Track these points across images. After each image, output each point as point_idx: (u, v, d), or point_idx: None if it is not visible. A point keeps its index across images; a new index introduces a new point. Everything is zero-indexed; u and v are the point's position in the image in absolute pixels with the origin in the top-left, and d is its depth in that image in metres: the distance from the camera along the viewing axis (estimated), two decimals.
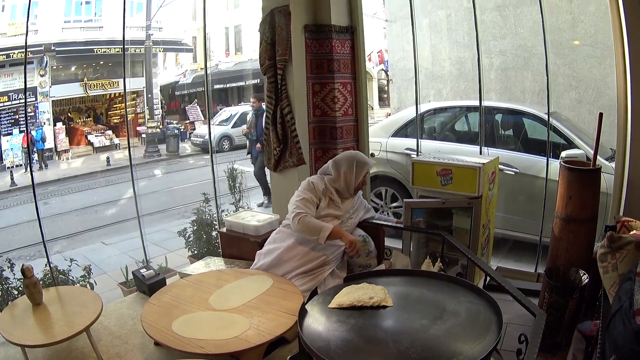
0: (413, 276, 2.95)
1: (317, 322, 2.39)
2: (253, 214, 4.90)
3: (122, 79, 21.55)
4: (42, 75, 19.84)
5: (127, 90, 19.64)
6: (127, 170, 15.35)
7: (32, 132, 17.86)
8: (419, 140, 5.74)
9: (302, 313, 2.46)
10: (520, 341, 2.57)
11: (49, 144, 18.79)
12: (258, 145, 9.10)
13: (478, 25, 5.32)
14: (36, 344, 3.06)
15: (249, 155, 9.97)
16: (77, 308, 3.41)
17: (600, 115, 3.65)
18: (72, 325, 3.16)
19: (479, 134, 5.52)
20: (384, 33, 17.66)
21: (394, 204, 6.63)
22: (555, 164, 4.97)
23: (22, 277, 3.41)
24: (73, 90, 21.62)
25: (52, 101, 20.48)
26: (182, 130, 21.74)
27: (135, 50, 21.33)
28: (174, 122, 23.20)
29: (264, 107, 7.45)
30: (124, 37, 5.81)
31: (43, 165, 17.82)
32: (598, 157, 3.68)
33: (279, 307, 3.16)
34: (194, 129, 22.25)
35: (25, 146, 17.75)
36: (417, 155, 5.53)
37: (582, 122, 7.81)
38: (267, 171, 5.63)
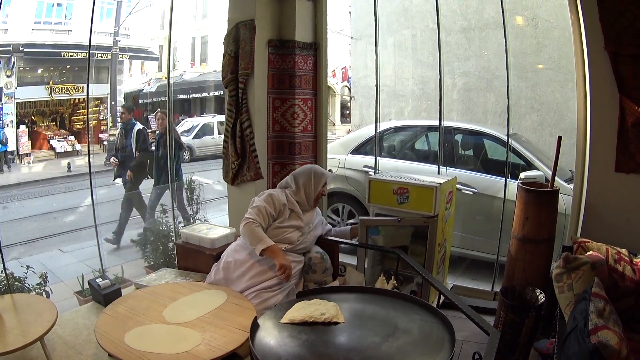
0: (366, 293, 2.95)
1: (269, 337, 2.37)
2: (209, 227, 4.85)
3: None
4: (8, 76, 19.40)
5: (90, 97, 19.34)
6: (87, 177, 15.16)
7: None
8: (377, 158, 5.77)
9: (254, 327, 2.44)
10: (475, 359, 2.58)
11: (11, 146, 18.42)
12: (129, 172, 7.76)
13: (442, 46, 5.41)
14: None
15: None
16: (31, 316, 3.33)
17: (559, 138, 3.72)
18: (26, 335, 3.08)
19: (438, 153, 5.57)
20: (349, 50, 17.81)
21: (351, 221, 6.61)
22: (513, 185, 5.04)
23: None
24: (38, 93, 21.13)
25: (17, 103, 20.09)
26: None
27: (101, 56, 21.06)
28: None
29: (134, 120, 7.55)
30: (90, 42, 5.74)
31: (5, 168, 17.45)
32: (557, 178, 3.75)
33: (232, 323, 3.12)
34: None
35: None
36: (375, 173, 5.56)
37: (544, 144, 7.96)
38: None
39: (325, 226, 4.33)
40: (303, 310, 2.57)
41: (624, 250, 3.22)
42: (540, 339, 3.47)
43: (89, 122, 19.31)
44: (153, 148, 7.96)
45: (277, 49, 4.79)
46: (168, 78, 6.24)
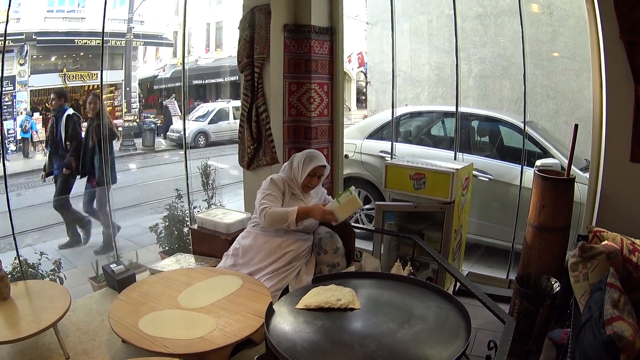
0: (382, 279, 2.92)
1: (284, 323, 2.36)
2: (225, 212, 4.86)
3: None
4: (21, 64, 19.55)
5: (104, 83, 19.40)
6: None
7: (23, 120, 18.02)
8: (394, 143, 5.74)
9: (269, 313, 2.43)
10: (490, 347, 2.57)
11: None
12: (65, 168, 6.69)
13: (458, 33, 5.36)
14: (2, 340, 2.96)
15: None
16: (45, 303, 3.34)
17: (576, 126, 3.68)
18: (39, 321, 3.09)
19: (454, 139, 5.53)
20: (364, 35, 17.71)
21: (367, 206, 6.60)
22: (529, 172, 5.00)
23: None
24: (52, 81, 21.16)
25: (30, 91, 20.18)
26: (158, 124, 21.53)
27: (115, 43, 21.09)
28: (151, 116, 23.00)
29: (66, 106, 6.76)
30: (103, 29, 5.73)
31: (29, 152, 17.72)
32: (572, 167, 3.71)
33: (246, 309, 3.12)
34: (171, 124, 22.07)
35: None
36: (391, 158, 5.53)
37: (559, 132, 7.88)
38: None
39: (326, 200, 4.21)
40: (319, 296, 2.56)
41: (638, 241, 3.19)
42: (554, 329, 3.45)
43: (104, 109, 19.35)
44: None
45: (293, 34, 4.78)
46: (183, 64, 6.22)
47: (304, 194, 3.96)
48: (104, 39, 5.84)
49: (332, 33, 4.97)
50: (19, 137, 18.06)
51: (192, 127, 18.93)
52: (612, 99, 3.61)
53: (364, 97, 21.81)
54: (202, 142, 19.16)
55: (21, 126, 18.02)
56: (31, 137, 18.08)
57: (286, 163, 4.04)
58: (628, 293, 2.45)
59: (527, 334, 3.46)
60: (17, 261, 4.64)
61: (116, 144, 18.29)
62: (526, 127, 5.22)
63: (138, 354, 2.82)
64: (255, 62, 4.66)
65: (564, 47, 8.40)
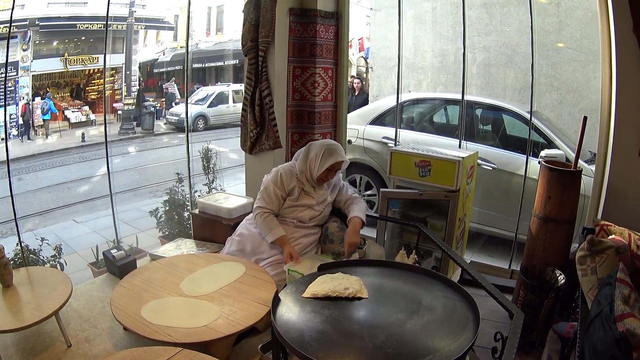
0: (387, 267, 2.88)
1: (291, 312, 2.33)
2: (226, 196, 4.85)
3: (102, 55, 21.43)
4: (24, 50, 19.61)
5: (106, 67, 19.37)
6: (101, 147, 15.16)
7: (42, 103, 18.36)
8: (398, 129, 5.71)
9: (276, 301, 2.40)
10: (497, 339, 2.55)
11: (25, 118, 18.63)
12: None
13: (465, 20, 5.31)
14: (5, 329, 2.93)
15: None
16: (47, 290, 3.30)
17: (585, 119, 3.65)
18: (41, 309, 3.06)
19: (459, 127, 5.50)
20: (366, 21, 17.67)
21: (368, 192, 6.60)
22: (533, 163, 4.98)
23: None
24: (53, 65, 21.33)
25: (32, 76, 20.17)
26: (158, 108, 21.49)
27: (117, 27, 21.14)
28: (150, 99, 22.95)
29: None
30: (107, 12, 5.66)
31: (25, 139, 17.81)
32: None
33: (251, 296, 3.11)
34: (170, 107, 22.03)
35: (22, 115, 17.87)
36: (395, 144, 5.50)
37: (562, 122, 7.89)
38: None
39: (346, 191, 4.11)
40: (326, 284, 2.52)
41: None
42: (558, 321, 3.43)
43: (105, 92, 19.39)
44: None
45: (298, 17, 4.73)
46: (187, 47, 6.15)
47: (315, 189, 3.88)
48: (108, 22, 5.77)
49: (338, 18, 4.92)
50: (20, 121, 18.12)
51: (192, 110, 18.87)
52: (623, 92, 3.58)
53: (364, 83, 21.78)
54: (201, 126, 19.14)
55: (41, 108, 18.28)
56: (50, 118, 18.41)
57: (301, 151, 3.93)
58: (637, 290, 2.43)
59: (531, 326, 3.44)
60: (19, 247, 4.62)
61: (115, 127, 18.46)
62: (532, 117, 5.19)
63: (140, 342, 2.81)
64: (260, 45, 4.61)
65: (570, 38, 8.37)
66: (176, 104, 21.92)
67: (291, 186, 3.80)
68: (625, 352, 1.91)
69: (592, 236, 2.97)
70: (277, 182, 3.79)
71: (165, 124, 20.70)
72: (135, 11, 21.38)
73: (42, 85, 21.27)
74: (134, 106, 20.25)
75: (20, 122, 18.00)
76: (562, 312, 3.67)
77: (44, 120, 18.28)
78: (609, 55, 3.70)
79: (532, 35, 4.88)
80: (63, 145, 16.81)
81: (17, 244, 4.59)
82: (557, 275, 3.53)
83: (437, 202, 4.38)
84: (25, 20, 18.90)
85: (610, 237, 3.15)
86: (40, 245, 4.90)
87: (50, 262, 4.89)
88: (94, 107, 22.20)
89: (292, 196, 3.82)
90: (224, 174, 7.63)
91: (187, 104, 6.47)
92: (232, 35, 24.91)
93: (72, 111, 21.00)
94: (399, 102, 5.91)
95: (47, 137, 17.82)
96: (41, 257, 4.86)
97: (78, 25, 20.73)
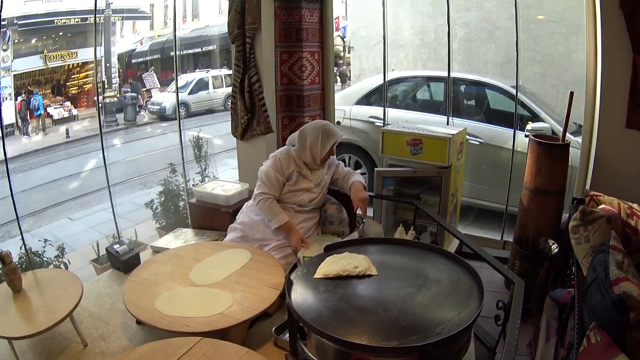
0: (389, 244, 2.96)
1: (306, 293, 2.40)
2: (221, 184, 4.89)
3: (81, 50, 21.16)
4: (4, 50, 19.29)
5: (84, 61, 19.17)
6: (86, 142, 15.11)
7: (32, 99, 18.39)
8: (386, 109, 5.78)
9: (289, 285, 2.46)
10: (499, 307, 2.66)
11: (10, 119, 18.34)
12: None
13: None
14: (22, 335, 2.90)
15: None
16: (57, 292, 3.29)
17: (571, 94, 3.78)
18: (54, 312, 3.04)
19: (445, 104, 5.58)
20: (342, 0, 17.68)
21: (358, 171, 6.65)
22: (520, 136, 5.08)
23: None
24: (33, 63, 20.94)
25: (14, 75, 19.91)
26: (138, 98, 21.36)
27: (93, 20, 20.83)
28: (130, 90, 22.76)
29: None
30: (95, 5, 5.66)
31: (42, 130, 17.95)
32: None
33: (260, 281, 3.18)
34: (151, 97, 21.84)
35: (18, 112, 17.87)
36: (384, 124, 5.58)
37: (546, 95, 7.95)
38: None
39: (342, 169, 4.19)
40: (335, 264, 2.59)
41: (635, 205, 3.29)
42: (554, 289, 3.56)
43: (85, 86, 19.18)
44: None
45: (283, 3, 4.79)
46: (175, 33, 6.15)
47: (312, 172, 3.95)
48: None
49: (322, 1, 4.98)
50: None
51: (172, 98, 18.79)
52: (608, 66, 3.68)
53: (341, 62, 21.70)
54: (182, 114, 19.01)
55: (32, 105, 18.23)
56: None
57: (294, 136, 3.99)
58: (629, 255, 2.53)
59: (527, 294, 3.56)
60: (23, 250, 4.61)
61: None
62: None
63: (155, 334, 2.85)
64: (247, 32, 4.67)
65: (552, 12, 8.42)
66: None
67: (290, 170, 3.87)
68: (623, 313, 2.01)
69: (584, 206, 3.08)
70: (277, 167, 3.85)
71: (146, 112, 20.58)
72: (112, 2, 21.13)
73: (23, 84, 21.02)
74: (115, 98, 20.11)
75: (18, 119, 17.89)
76: (557, 279, 3.79)
77: (37, 116, 18.19)
78: (594, 30, 3.79)
79: (515, 10, 4.94)
80: (49, 143, 16.61)
81: (21, 247, 4.58)
82: (551, 244, 3.65)
83: (430, 179, 4.48)
84: (3, 20, 18.64)
85: (600, 206, 3.27)
86: (44, 247, 4.89)
87: (54, 263, 4.90)
88: (76, 102, 21.95)
89: (290, 181, 3.89)
90: (211, 160, 7.67)
91: (177, 92, 6.51)
92: (208, 21, 24.72)
93: (55, 107, 20.77)
94: (382, 81, 5.97)
95: (44, 131, 17.79)
96: (45, 259, 4.86)
97: (55, 20, 20.41)
